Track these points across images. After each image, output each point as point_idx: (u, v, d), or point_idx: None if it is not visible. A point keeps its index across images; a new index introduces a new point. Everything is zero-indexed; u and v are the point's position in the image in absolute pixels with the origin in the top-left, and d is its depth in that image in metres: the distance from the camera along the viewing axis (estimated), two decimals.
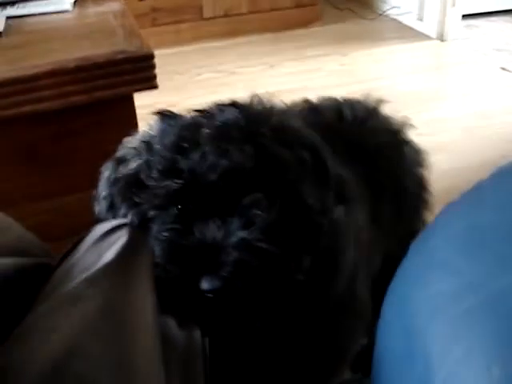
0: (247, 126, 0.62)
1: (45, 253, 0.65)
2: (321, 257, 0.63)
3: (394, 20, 3.41)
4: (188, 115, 0.67)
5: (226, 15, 3.20)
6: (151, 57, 0.97)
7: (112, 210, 0.67)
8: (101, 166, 1.03)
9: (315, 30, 3.31)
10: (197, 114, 0.66)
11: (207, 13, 3.18)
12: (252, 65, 2.91)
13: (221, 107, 0.65)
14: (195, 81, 2.78)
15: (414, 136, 1.00)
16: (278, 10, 3.27)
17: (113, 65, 0.94)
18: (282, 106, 0.77)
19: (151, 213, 0.62)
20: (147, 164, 0.62)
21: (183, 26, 3.09)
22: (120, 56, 0.95)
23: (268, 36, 3.24)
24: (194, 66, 2.91)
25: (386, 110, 0.99)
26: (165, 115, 0.67)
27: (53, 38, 1.07)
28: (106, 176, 0.71)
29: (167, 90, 2.52)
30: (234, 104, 0.66)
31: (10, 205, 0.99)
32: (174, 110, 0.69)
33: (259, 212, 0.58)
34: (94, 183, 1.00)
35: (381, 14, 3.48)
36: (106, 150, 1.04)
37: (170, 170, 0.59)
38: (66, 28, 1.14)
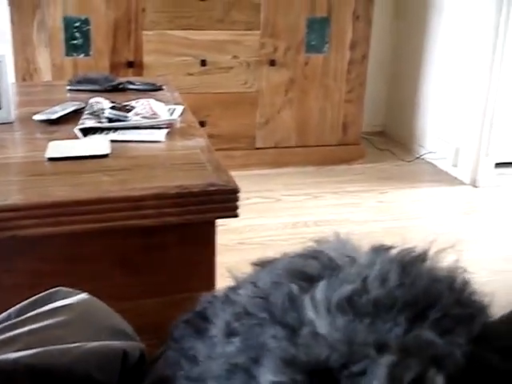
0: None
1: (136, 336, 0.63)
2: None
3: (430, 164, 3.67)
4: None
5: (275, 147, 3.50)
6: (236, 191, 1.18)
7: None
8: (182, 276, 1.21)
9: (357, 167, 3.58)
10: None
11: (259, 143, 3.49)
12: (296, 194, 3.16)
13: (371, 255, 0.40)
14: (244, 204, 2.99)
15: None
16: (324, 146, 3.56)
17: (205, 195, 1.15)
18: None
19: None
20: None
21: (236, 153, 3.38)
22: (211, 188, 1.16)
23: (312, 169, 3.51)
24: (244, 190, 3.15)
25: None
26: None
27: (152, 164, 1.29)
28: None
29: None
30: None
31: None
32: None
33: None
34: (172, 291, 1.17)
35: (418, 158, 3.74)
36: (187, 263, 1.24)
37: None
38: (162, 157, 1.36)
